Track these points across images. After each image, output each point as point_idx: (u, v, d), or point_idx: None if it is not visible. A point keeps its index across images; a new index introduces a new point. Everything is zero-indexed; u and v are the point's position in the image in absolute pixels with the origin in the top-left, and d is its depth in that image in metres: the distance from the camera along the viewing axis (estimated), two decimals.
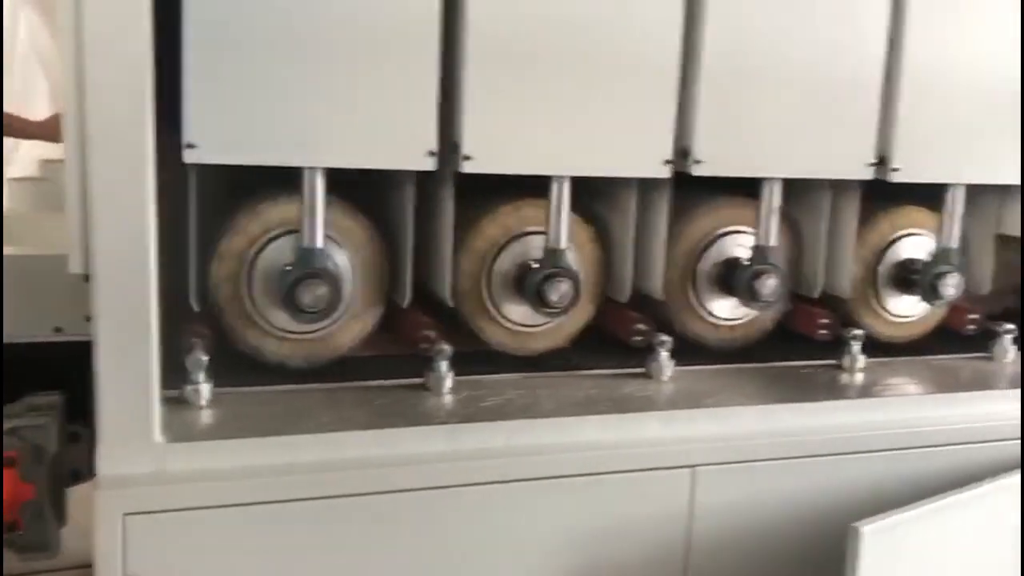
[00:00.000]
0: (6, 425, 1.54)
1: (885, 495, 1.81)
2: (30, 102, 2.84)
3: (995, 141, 2.09)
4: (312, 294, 1.71)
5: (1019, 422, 2.00)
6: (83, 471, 1.73)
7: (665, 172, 1.87)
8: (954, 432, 1.97)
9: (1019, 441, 1.99)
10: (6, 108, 2.61)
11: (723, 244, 2.10)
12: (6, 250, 1.83)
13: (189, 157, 1.57)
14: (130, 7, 1.39)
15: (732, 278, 2.05)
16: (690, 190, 2.02)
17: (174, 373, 1.66)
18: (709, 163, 1.89)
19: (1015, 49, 2.05)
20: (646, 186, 1.98)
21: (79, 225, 1.46)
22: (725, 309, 2.12)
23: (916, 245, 2.23)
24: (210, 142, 1.58)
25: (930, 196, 2.16)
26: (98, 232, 1.42)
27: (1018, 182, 2.13)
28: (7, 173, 2.49)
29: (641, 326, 2.03)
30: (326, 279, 1.72)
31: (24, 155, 2.61)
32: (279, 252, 1.78)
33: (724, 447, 1.79)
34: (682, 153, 1.88)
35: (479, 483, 1.65)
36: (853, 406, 1.96)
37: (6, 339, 1.74)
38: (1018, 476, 1.85)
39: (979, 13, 2.01)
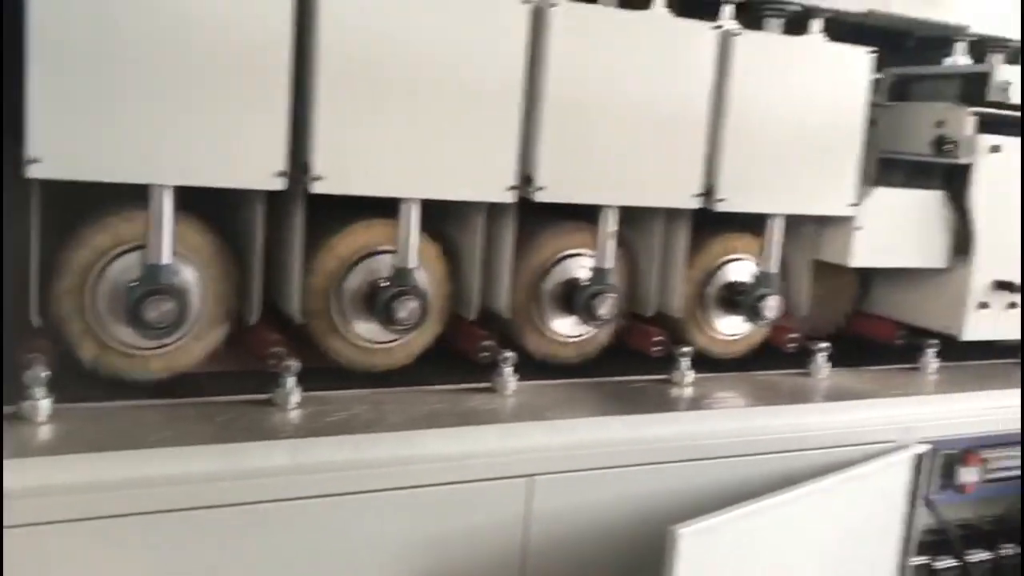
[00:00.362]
0: None
1: (711, 500, 1.95)
2: None
3: (811, 177, 2.31)
4: (158, 310, 1.72)
5: (836, 431, 2.20)
6: None
7: (509, 197, 1.98)
8: (774, 441, 2.14)
9: (872, 446, 2.18)
10: None
11: (565, 266, 2.22)
12: None
13: (32, 172, 1.57)
14: None
15: (572, 298, 2.17)
16: (536, 214, 2.14)
17: (12, 389, 1.65)
18: (550, 190, 2.01)
19: (828, 96, 2.26)
20: (493, 210, 2.08)
21: None
22: (566, 327, 2.24)
23: (741, 269, 2.41)
24: (54, 157, 1.59)
25: (755, 224, 2.35)
26: None
27: (832, 213, 2.36)
28: None
29: (487, 342, 2.12)
30: (173, 295, 1.73)
31: None
32: (125, 268, 1.79)
33: (559, 457, 1.90)
34: (526, 180, 2.00)
35: (322, 495, 1.70)
36: (681, 418, 2.11)
37: None
38: (827, 480, 2.04)
39: (796, 63, 2.22)
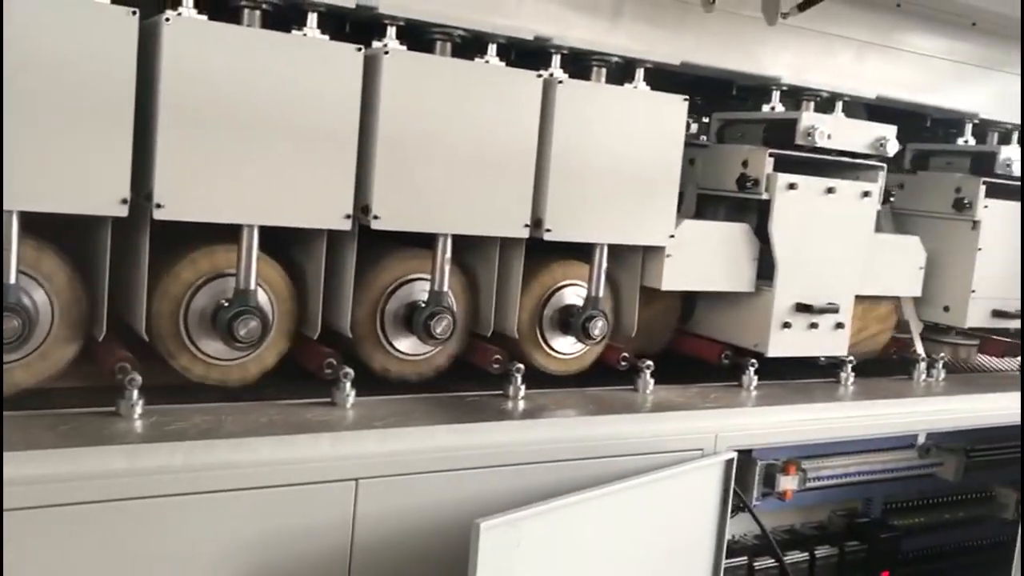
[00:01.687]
0: None
1: (529, 502, 2.15)
2: None
3: (632, 210, 2.56)
4: (7, 326, 1.85)
5: (652, 439, 2.42)
6: None
7: (346, 225, 2.17)
8: (592, 448, 2.35)
9: (687, 453, 2.40)
10: None
11: (407, 289, 2.42)
12: None
13: None
14: None
15: (412, 319, 2.37)
16: (382, 241, 2.33)
17: None
18: (386, 219, 2.20)
19: (647, 138, 2.52)
20: (335, 236, 2.26)
21: None
22: (408, 345, 2.43)
23: (575, 293, 2.64)
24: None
25: (590, 252, 2.58)
26: None
27: (653, 243, 2.60)
28: None
29: (330, 359, 2.29)
30: (18, 312, 1.87)
31: None
32: None
33: (385, 462, 2.08)
34: (363, 209, 2.19)
35: (157, 496, 1.84)
36: (504, 426, 2.30)
37: None
38: (633, 480, 2.25)
39: (616, 108, 2.47)
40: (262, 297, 2.16)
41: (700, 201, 2.86)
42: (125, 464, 1.84)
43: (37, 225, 1.94)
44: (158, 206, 1.95)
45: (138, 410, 2.01)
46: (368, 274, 2.37)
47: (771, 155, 2.68)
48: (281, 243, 2.25)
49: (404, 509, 2.10)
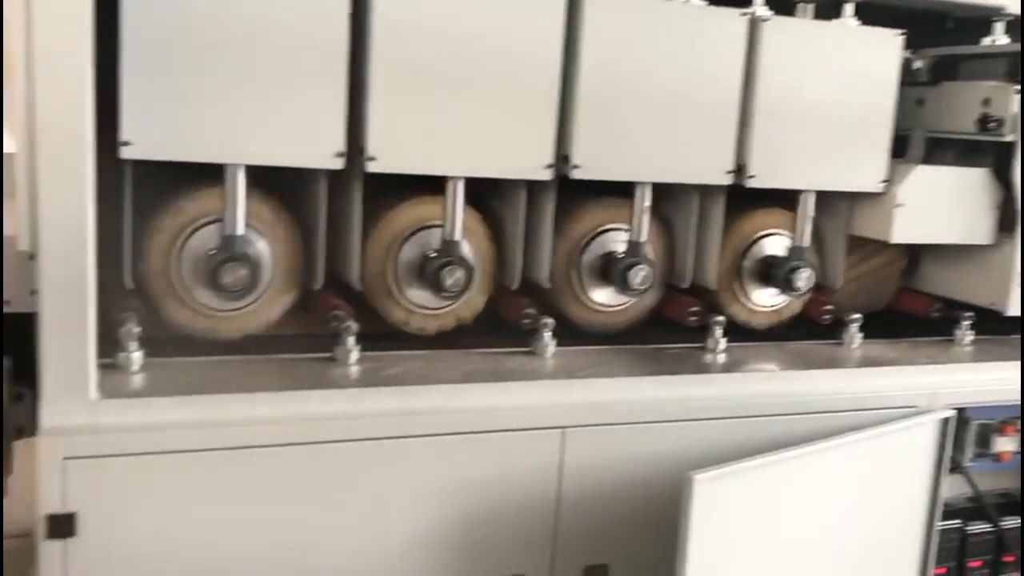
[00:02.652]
0: None
1: (732, 456, 2.10)
2: None
3: (841, 155, 2.42)
4: (233, 275, 1.96)
5: (862, 396, 2.31)
6: (26, 427, 1.96)
7: (547, 175, 2.16)
8: (798, 403, 2.27)
9: (899, 410, 2.29)
10: None
11: (603, 239, 2.39)
12: None
13: (125, 153, 1.81)
14: (73, 24, 1.63)
15: (609, 269, 2.34)
16: (578, 190, 2.31)
17: (110, 344, 1.90)
18: (585, 168, 2.18)
19: (858, 77, 2.37)
20: (534, 186, 2.26)
21: (27, 210, 1.69)
22: (604, 297, 2.41)
23: (775, 243, 2.54)
24: (144, 140, 1.83)
25: (791, 200, 2.47)
26: (43, 216, 1.66)
27: (863, 189, 2.46)
28: None
29: (529, 310, 2.31)
30: (246, 262, 1.97)
31: None
32: (206, 238, 2.03)
33: (591, 411, 2.08)
34: (563, 159, 2.17)
35: (374, 439, 1.91)
36: (709, 379, 2.26)
37: None
38: (846, 438, 2.16)
39: (825, 46, 2.34)
40: (466, 248, 2.19)
41: (928, 145, 2.66)
42: (347, 407, 1.92)
43: (258, 178, 2.03)
44: (371, 159, 2.00)
45: (354, 356, 2.09)
46: (565, 224, 2.36)
47: (1019, 92, 2.45)
48: (481, 194, 2.27)
49: (609, 459, 2.10)
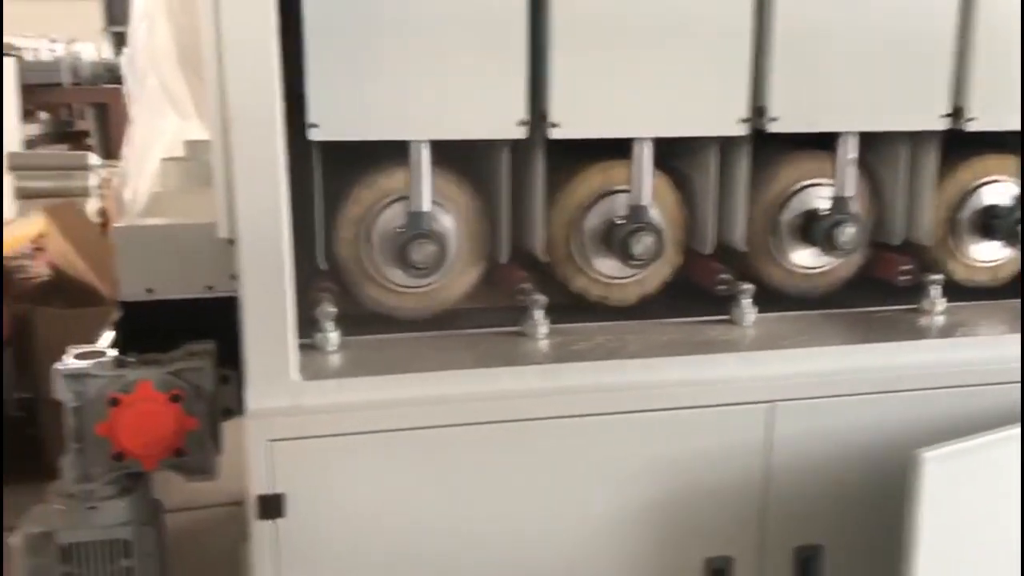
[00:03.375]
0: (172, 368, 1.83)
1: (957, 430, 1.92)
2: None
3: None
4: (421, 252, 1.94)
5: None
6: (233, 408, 2.03)
7: (742, 130, 2.01)
8: None
9: None
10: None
11: (803, 196, 2.22)
12: (163, 220, 2.14)
13: (313, 135, 1.82)
14: (258, 13, 1.63)
15: (811, 228, 2.17)
16: (771, 145, 2.15)
17: (307, 324, 1.93)
18: (784, 120, 2.01)
19: None
20: (726, 143, 2.12)
21: (224, 197, 1.72)
22: (806, 258, 2.25)
23: (998, 192, 2.28)
24: (330, 122, 1.82)
25: (1012, 143, 2.21)
26: (240, 202, 1.68)
27: None
28: (159, 153, 2.83)
29: (724, 276, 2.17)
30: (434, 239, 1.94)
31: (170, 137, 2.95)
32: (392, 216, 2.02)
33: (801, 384, 1.94)
34: (758, 111, 2.01)
35: (568, 416, 1.85)
36: (929, 346, 2.06)
37: (166, 296, 2.04)
38: None
39: None
40: (655, 212, 2.08)
41: None
42: (540, 384, 1.87)
43: (441, 153, 1.99)
44: (554, 125, 1.92)
45: (543, 330, 2.03)
46: (760, 182, 2.20)
47: None
48: (666, 155, 2.15)
49: (821, 434, 1.96)
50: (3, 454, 3.88)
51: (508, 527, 1.87)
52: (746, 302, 2.13)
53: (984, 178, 2.29)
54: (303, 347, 1.89)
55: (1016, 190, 2.25)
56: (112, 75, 7.25)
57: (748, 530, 1.97)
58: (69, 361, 1.83)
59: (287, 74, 1.71)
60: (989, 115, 2.09)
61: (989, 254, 2.33)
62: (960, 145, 2.23)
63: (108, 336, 2.08)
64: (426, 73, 1.84)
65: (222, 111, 1.68)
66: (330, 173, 1.99)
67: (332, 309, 1.93)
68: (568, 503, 1.89)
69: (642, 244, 2.03)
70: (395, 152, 1.96)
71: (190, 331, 1.98)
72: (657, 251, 2.05)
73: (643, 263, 2.06)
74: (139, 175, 2.90)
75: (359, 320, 2.04)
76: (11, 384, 3.91)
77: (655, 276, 2.19)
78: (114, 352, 1.88)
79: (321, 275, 2.02)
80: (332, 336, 1.94)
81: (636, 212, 2.04)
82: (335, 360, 1.91)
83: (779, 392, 1.93)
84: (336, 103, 1.82)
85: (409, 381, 1.83)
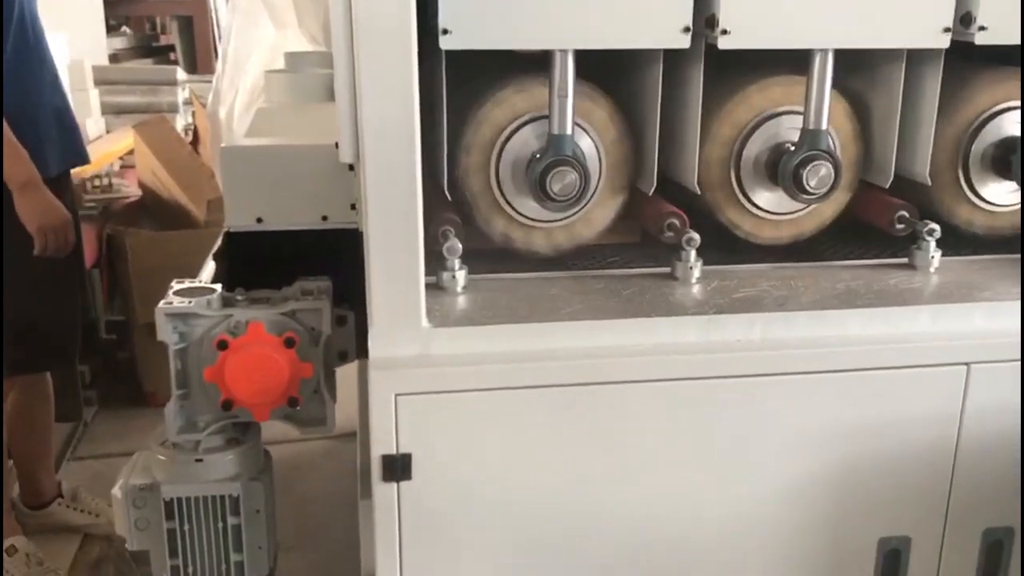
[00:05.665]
0: (286, 308, 1.63)
1: None
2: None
3: None
4: (562, 182, 1.69)
5: None
6: (349, 352, 1.83)
7: (943, 42, 1.69)
8: None
9: None
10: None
11: (1000, 122, 1.90)
12: (273, 140, 1.91)
13: (445, 43, 1.56)
14: None
15: (1008, 159, 1.85)
16: (963, 61, 1.83)
17: (429, 260, 1.70)
18: (994, 31, 1.69)
19: None
20: (914, 59, 1.80)
21: (349, 117, 1.49)
22: (1000, 194, 1.93)
23: None
24: (464, 27, 1.56)
25: None
26: (367, 123, 1.45)
27: None
28: (257, 66, 2.60)
29: (904, 213, 1.88)
30: (575, 167, 1.69)
31: (267, 49, 2.73)
32: (526, 140, 1.77)
33: (1002, 343, 1.65)
34: (965, 20, 1.69)
35: (734, 376, 1.61)
36: None
37: (279, 227, 1.84)
38: None
39: None
40: (832, 138, 1.79)
41: None
42: (701, 337, 1.62)
43: (579, 66, 1.72)
44: (724, 32, 1.62)
45: (696, 273, 1.78)
46: (948, 105, 1.88)
47: None
48: (839, 73, 1.83)
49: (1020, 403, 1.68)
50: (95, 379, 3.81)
51: (659, 500, 1.65)
52: (931, 244, 1.84)
53: None
54: (428, 287, 1.66)
55: None
56: None
57: (931, 509, 1.71)
58: (171, 298, 1.63)
59: None
60: None
61: None
62: None
63: (211, 268, 1.89)
64: None
65: (347, 18, 1.43)
66: (459, 90, 1.74)
67: (459, 244, 1.70)
68: (727, 474, 1.65)
69: (817, 175, 1.74)
70: (532, 65, 1.69)
71: (303, 266, 1.77)
72: (834, 183, 1.76)
73: (817, 196, 1.78)
74: (234, 90, 2.68)
75: (488, 258, 1.81)
76: (101, 307, 3.82)
77: (825, 212, 1.91)
78: (219, 288, 1.68)
79: (446, 207, 1.79)
80: (460, 275, 1.72)
81: (811, 137, 1.75)
82: (464, 303, 1.69)
83: (976, 353, 1.65)
84: (470, 5, 1.56)
85: (551, 330, 1.59)
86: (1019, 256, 1.88)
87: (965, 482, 1.70)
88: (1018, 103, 1.89)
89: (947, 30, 1.68)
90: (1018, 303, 1.71)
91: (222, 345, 1.58)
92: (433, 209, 1.79)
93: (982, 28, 1.68)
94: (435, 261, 1.71)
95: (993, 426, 1.68)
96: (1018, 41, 1.71)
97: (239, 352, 1.58)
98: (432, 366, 1.55)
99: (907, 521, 1.71)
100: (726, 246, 1.90)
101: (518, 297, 1.71)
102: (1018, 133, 1.87)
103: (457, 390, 1.55)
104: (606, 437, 1.61)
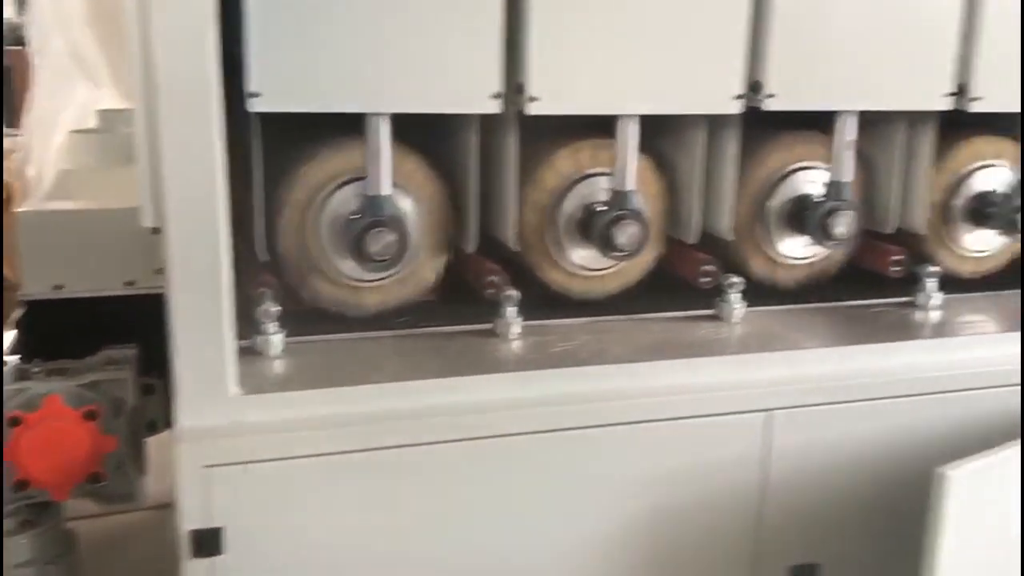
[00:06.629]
0: (86, 379, 1.55)
1: (963, 436, 1.78)
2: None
3: None
4: (380, 242, 1.69)
5: None
6: (158, 422, 1.76)
7: (736, 108, 1.81)
8: None
9: None
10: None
11: (794, 181, 2.04)
12: (75, 205, 1.83)
13: (254, 106, 1.55)
14: None
15: (804, 216, 1.99)
16: (759, 125, 1.96)
17: (243, 323, 1.67)
18: (782, 97, 1.82)
19: None
20: (715, 123, 1.92)
21: (149, 178, 1.45)
22: (795, 248, 2.07)
23: (992, 177, 2.14)
24: (274, 90, 1.56)
25: (1006, 125, 2.07)
26: (169, 185, 1.41)
27: None
28: (66, 125, 2.49)
29: (709, 267, 1.98)
30: (394, 227, 1.70)
31: (80, 106, 2.61)
32: (345, 200, 1.76)
33: (800, 390, 1.76)
34: (753, 87, 1.82)
35: (550, 430, 1.64)
36: (929, 346, 1.91)
37: (80, 294, 1.75)
38: None
39: None
40: (639, 198, 1.87)
41: None
42: (516, 394, 1.64)
43: (399, 129, 1.74)
44: (533, 99, 1.68)
45: (516, 329, 1.81)
46: (748, 165, 2.01)
47: None
48: (647, 136, 1.93)
49: (820, 445, 1.78)
50: None
51: (483, 557, 1.65)
52: (734, 296, 1.94)
53: (981, 161, 2.14)
54: (241, 351, 1.62)
55: (1011, 175, 2.11)
56: (15, 36, 6.71)
57: (742, 548, 1.79)
58: None
59: (223, 34, 1.44)
60: (995, 95, 1.93)
61: (982, 243, 2.19)
62: (952, 128, 2.08)
63: (10, 337, 1.78)
64: (387, 35, 1.59)
65: (147, 76, 1.40)
66: (272, 150, 1.72)
67: (275, 307, 1.67)
68: (548, 527, 1.68)
69: (627, 233, 1.82)
70: (349, 127, 1.70)
71: (107, 334, 1.69)
72: (642, 241, 1.84)
73: (626, 254, 1.85)
74: (44, 149, 2.56)
75: (305, 319, 1.78)
76: None
77: (635, 268, 1.99)
78: (16, 359, 1.58)
79: (261, 268, 1.76)
80: (275, 339, 1.68)
81: (620, 198, 1.82)
82: (279, 368, 1.65)
83: (777, 400, 1.75)
84: (281, 69, 1.56)
85: (367, 393, 1.58)
86: (807, 305, 2.02)
87: (770, 523, 1.79)
88: (809, 164, 2.04)
89: (739, 97, 1.80)
90: (815, 351, 1.84)
91: (15, 422, 1.48)
92: (250, 271, 1.75)
93: (770, 95, 1.81)
94: (251, 325, 1.67)
95: (796, 467, 1.78)
96: (804, 107, 1.86)
97: (33, 428, 1.49)
98: (242, 435, 1.50)
99: (720, 561, 1.78)
100: (547, 302, 1.95)
101: (338, 359, 1.70)
102: (810, 191, 2.01)
103: (270, 459, 1.51)
104: (427, 499, 1.61)
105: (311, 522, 1.55)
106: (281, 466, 1.51)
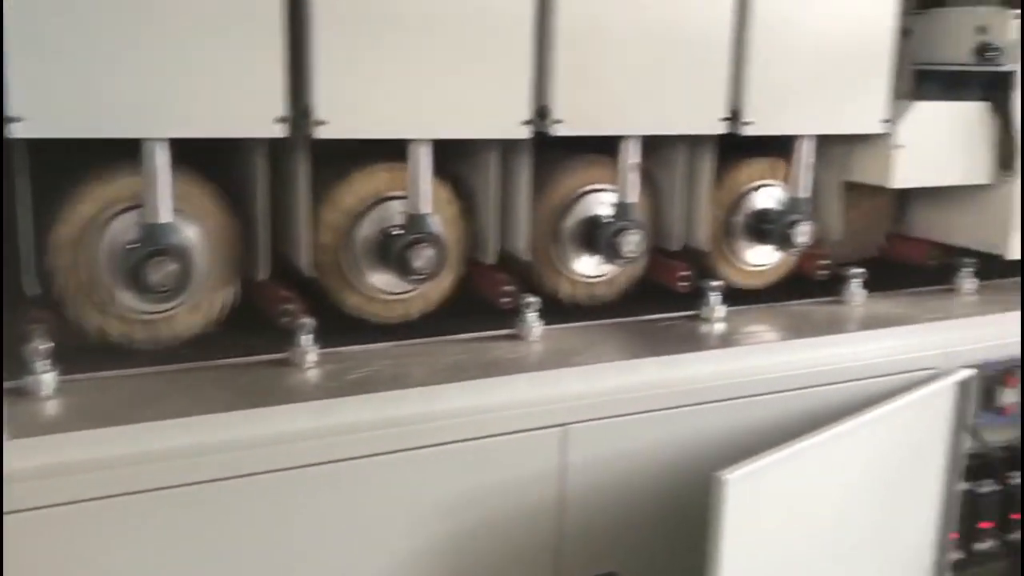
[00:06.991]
0: None
1: (748, 441, 1.87)
2: None
3: (841, 93, 2.18)
4: (160, 272, 1.62)
5: (875, 361, 2.10)
6: None
7: (524, 133, 1.86)
8: (810, 375, 2.05)
9: (913, 374, 2.09)
10: None
11: (585, 202, 2.11)
12: None
13: (16, 132, 1.45)
14: None
15: (595, 236, 2.06)
16: (552, 150, 2.02)
17: (12, 363, 1.56)
18: (568, 123, 1.89)
19: (855, 7, 2.12)
20: (507, 147, 1.96)
21: None
22: (588, 266, 2.14)
23: (768, 195, 2.29)
24: (37, 115, 1.47)
25: (779, 147, 2.23)
26: None
27: (865, 131, 2.23)
28: None
29: (508, 287, 2.02)
30: (175, 256, 1.63)
31: None
32: (123, 229, 1.68)
33: (593, 404, 1.81)
34: (541, 113, 1.87)
35: (348, 459, 1.61)
36: (713, 356, 2.01)
37: None
38: (871, 414, 1.94)
39: None
40: (435, 221, 1.88)
41: (916, 79, 2.43)
42: (311, 424, 1.61)
43: (182, 153, 1.68)
44: (320, 123, 1.67)
45: (312, 357, 1.78)
46: (541, 188, 2.07)
47: (1018, 17, 2.23)
48: (444, 159, 1.95)
49: (615, 456, 1.84)
50: None
51: None
52: (532, 316, 1.98)
53: (754, 182, 2.29)
54: (8, 393, 1.52)
55: (783, 194, 2.27)
56: None
57: (544, 563, 1.82)
58: None
59: None
60: (765, 120, 2.08)
61: (761, 258, 2.34)
62: (731, 149, 2.21)
63: None
64: (164, 59, 1.53)
65: None
66: (40, 177, 1.62)
67: (44, 345, 1.57)
68: (352, 555, 1.65)
69: (423, 257, 1.82)
70: (125, 151, 1.62)
71: None
72: (439, 264, 1.85)
73: (424, 277, 1.86)
74: None
75: (86, 356, 1.68)
76: None
77: (436, 290, 2.00)
78: None
79: (30, 302, 1.65)
80: (46, 378, 1.57)
81: (415, 222, 1.83)
82: (51, 408, 1.55)
83: (571, 414, 1.80)
84: (47, 92, 1.47)
85: (149, 431, 1.50)
86: (610, 320, 2.09)
87: (570, 536, 1.83)
88: (599, 186, 2.11)
89: (527, 123, 1.85)
90: (609, 364, 1.90)
91: None
92: (20, 304, 1.64)
93: (557, 121, 1.87)
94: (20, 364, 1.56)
95: (591, 480, 1.83)
96: (589, 132, 1.93)
97: None
98: (11, 483, 1.39)
99: (523, 574, 1.80)
100: (347, 328, 1.92)
101: (119, 397, 1.61)
102: (600, 212, 2.09)
103: (41, 506, 1.41)
104: (223, 539, 1.55)
105: (93, 571, 1.46)
106: (55, 513, 1.42)
